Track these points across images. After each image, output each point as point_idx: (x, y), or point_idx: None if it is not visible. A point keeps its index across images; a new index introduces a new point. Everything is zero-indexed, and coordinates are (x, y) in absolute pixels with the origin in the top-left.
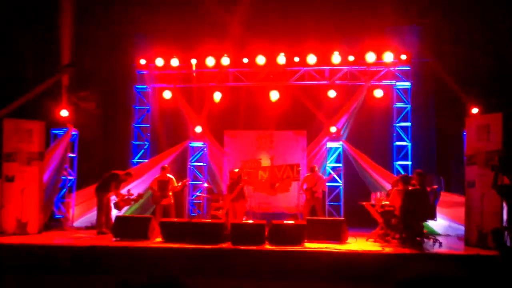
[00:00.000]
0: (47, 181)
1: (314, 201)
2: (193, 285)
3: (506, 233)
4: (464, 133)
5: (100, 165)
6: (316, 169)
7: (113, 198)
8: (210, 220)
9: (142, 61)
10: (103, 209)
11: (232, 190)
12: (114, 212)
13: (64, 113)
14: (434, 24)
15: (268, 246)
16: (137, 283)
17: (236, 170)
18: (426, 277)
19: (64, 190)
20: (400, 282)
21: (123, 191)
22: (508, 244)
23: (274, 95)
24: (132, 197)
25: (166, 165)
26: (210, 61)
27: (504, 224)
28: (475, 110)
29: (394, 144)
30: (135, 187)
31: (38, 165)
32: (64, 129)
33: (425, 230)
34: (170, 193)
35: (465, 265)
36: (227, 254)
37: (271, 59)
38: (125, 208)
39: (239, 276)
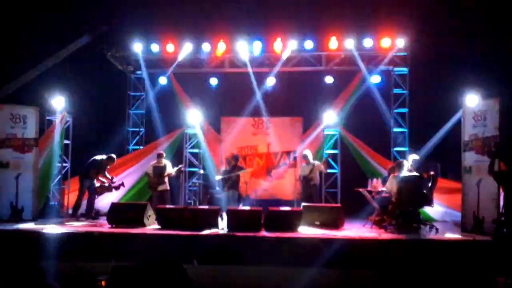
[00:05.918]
0: (42, 168)
1: (310, 188)
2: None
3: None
4: (461, 119)
5: (95, 152)
6: (309, 156)
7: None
8: (206, 207)
9: (137, 47)
10: (82, 195)
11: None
12: (109, 199)
13: (58, 99)
14: (433, 10)
15: (264, 233)
16: (134, 267)
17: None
18: None
19: (59, 176)
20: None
21: (116, 178)
22: (505, 230)
23: (271, 81)
24: (113, 184)
25: (162, 152)
26: (206, 47)
27: (501, 210)
28: (472, 96)
29: (392, 130)
30: (131, 173)
31: (32, 151)
32: (59, 115)
33: (421, 217)
34: (166, 180)
35: (461, 251)
36: (223, 241)
37: (268, 45)
38: (120, 196)
39: (235, 262)
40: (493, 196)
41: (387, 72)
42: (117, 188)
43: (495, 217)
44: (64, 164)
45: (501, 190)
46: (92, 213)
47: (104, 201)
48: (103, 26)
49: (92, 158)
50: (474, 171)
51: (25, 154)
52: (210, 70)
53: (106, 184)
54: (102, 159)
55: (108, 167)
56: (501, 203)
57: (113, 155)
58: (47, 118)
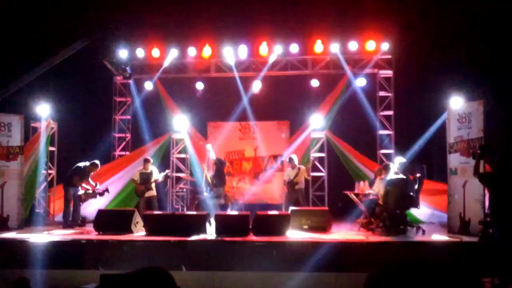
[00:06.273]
0: (27, 175)
1: (296, 192)
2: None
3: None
4: (446, 121)
5: (80, 158)
6: (294, 160)
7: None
8: (194, 212)
9: (123, 52)
10: (68, 203)
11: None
12: (96, 205)
13: (43, 106)
14: (417, 14)
15: (252, 237)
16: (122, 276)
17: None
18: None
19: (45, 184)
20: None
21: (101, 185)
22: (490, 231)
23: (257, 86)
24: (97, 191)
25: (149, 158)
26: (191, 52)
27: (487, 211)
28: (456, 98)
29: (378, 132)
30: (117, 179)
31: (18, 159)
32: (44, 122)
33: (408, 218)
34: (153, 186)
35: (447, 252)
36: (212, 246)
37: (253, 49)
38: (106, 202)
39: (223, 267)
40: (478, 197)
41: (372, 75)
42: (101, 194)
43: (481, 218)
44: (50, 171)
45: (486, 192)
46: (78, 221)
47: (90, 208)
48: (97, 32)
49: (76, 165)
50: (459, 173)
51: (10, 162)
52: (196, 75)
53: (90, 191)
54: (85, 166)
55: (92, 173)
56: (487, 204)
57: (97, 161)
58: (32, 125)
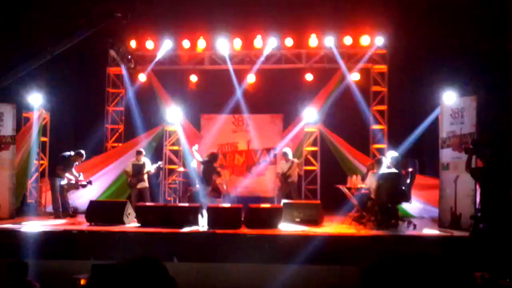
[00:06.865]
0: (19, 165)
1: (289, 185)
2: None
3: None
4: (439, 117)
5: (72, 149)
6: (288, 154)
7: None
8: (186, 204)
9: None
10: (55, 193)
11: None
12: (88, 196)
13: (35, 96)
14: (411, 9)
15: (244, 230)
16: (114, 266)
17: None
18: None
19: (36, 174)
20: (366, 269)
21: (93, 176)
22: (481, 226)
23: (251, 78)
24: (80, 182)
25: (141, 150)
26: (185, 44)
27: (478, 206)
28: (449, 94)
29: (371, 127)
30: (110, 171)
31: (9, 149)
32: (36, 112)
33: (399, 213)
34: (145, 177)
35: (438, 246)
36: (204, 238)
37: (248, 42)
38: (98, 193)
39: (215, 259)
40: (470, 192)
41: (366, 70)
42: (84, 186)
43: (472, 213)
44: (42, 162)
45: (477, 187)
46: (69, 211)
47: (82, 199)
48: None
49: (60, 155)
50: (451, 168)
51: (2, 151)
52: (190, 67)
53: (73, 182)
54: (70, 155)
55: (77, 163)
56: (478, 199)
57: (82, 151)
58: (24, 115)
